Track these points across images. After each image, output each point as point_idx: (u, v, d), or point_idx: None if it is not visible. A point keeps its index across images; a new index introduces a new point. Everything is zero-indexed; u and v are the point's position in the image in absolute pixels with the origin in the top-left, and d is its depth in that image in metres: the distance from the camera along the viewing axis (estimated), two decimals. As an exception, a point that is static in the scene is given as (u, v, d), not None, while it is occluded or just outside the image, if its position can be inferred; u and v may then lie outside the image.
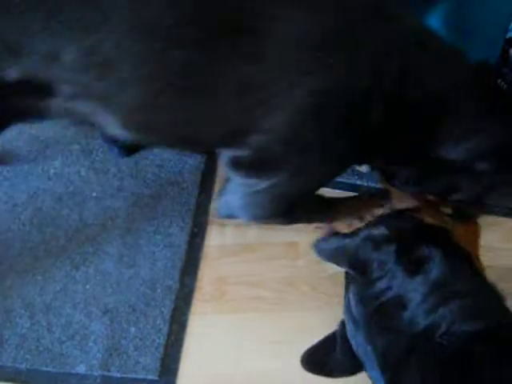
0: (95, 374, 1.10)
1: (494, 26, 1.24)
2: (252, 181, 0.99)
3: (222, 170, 1.36)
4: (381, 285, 0.87)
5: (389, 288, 0.86)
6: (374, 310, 0.87)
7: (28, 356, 1.12)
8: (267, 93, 0.85)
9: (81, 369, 1.10)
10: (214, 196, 1.33)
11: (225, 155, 0.98)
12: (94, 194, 1.33)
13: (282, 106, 0.86)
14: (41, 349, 1.12)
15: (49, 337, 1.14)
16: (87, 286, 1.20)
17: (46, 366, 1.11)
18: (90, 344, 1.12)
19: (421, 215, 1.03)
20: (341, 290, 1.01)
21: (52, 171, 1.38)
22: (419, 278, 0.86)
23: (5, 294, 1.19)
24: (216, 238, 1.27)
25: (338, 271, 1.05)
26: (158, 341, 1.12)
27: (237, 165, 0.97)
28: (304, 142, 0.91)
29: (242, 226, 1.28)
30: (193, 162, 1.38)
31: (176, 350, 1.12)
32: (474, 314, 0.83)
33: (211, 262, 1.23)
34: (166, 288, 1.19)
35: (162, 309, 1.16)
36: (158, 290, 1.18)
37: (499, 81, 1.15)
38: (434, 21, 1.45)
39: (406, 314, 0.84)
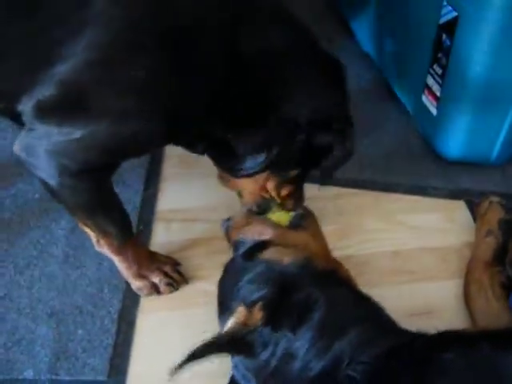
0: (43, 378, 1.07)
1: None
2: (65, 129, 0.85)
3: (167, 167, 1.37)
4: (266, 353, 0.84)
5: (273, 354, 0.83)
6: (268, 377, 0.85)
7: (-26, 364, 1.10)
8: (65, 10, 0.78)
9: (28, 374, 1.08)
10: (159, 194, 1.33)
11: (27, 105, 0.85)
12: (37, 196, 1.31)
13: (87, 29, 0.78)
14: (-13, 356, 1.10)
15: (-6, 343, 1.12)
16: (32, 290, 1.18)
17: (-7, 373, 1.09)
18: (37, 348, 1.10)
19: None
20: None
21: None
22: (303, 329, 0.84)
23: None
24: (162, 234, 1.27)
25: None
26: (106, 341, 1.11)
27: (44, 110, 0.85)
28: (119, 80, 0.82)
29: (189, 222, 1.28)
30: (137, 159, 1.37)
31: (125, 350, 1.10)
32: (372, 338, 0.82)
33: (158, 259, 1.23)
34: (114, 287, 1.17)
35: (110, 308, 1.15)
36: (105, 290, 1.17)
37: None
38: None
39: (297, 363, 0.82)
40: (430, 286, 1.19)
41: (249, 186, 1.10)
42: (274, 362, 0.83)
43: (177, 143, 1.05)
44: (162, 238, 1.26)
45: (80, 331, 1.12)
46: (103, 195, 1.02)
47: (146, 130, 0.90)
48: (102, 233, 1.06)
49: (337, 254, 1.21)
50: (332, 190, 1.32)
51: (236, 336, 0.84)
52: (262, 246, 1.01)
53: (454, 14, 1.14)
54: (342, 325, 0.84)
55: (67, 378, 1.08)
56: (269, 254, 0.98)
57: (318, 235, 1.11)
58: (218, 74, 0.89)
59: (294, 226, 1.10)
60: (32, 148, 0.89)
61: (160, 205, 1.31)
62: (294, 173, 1.07)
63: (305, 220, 1.12)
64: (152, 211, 1.30)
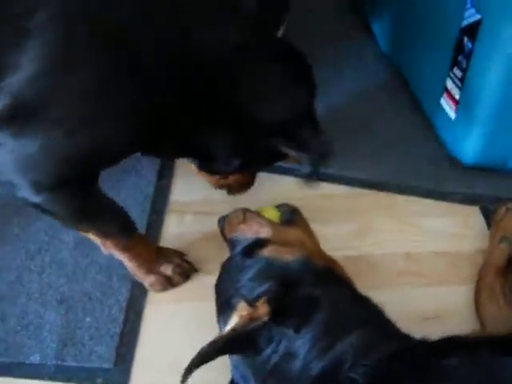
0: (49, 363, 1.08)
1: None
2: (23, 141, 0.83)
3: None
4: (268, 350, 0.83)
5: (275, 352, 0.83)
6: (267, 376, 0.84)
7: (-18, 346, 1.10)
8: (8, 20, 0.76)
9: (35, 358, 1.08)
10: (173, 186, 1.33)
11: None
12: (50, 182, 1.32)
13: (32, 40, 0.76)
14: (-5, 339, 1.11)
15: (3, 327, 1.12)
16: (42, 276, 1.18)
17: (1, 356, 1.09)
18: (45, 333, 1.11)
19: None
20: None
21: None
22: (305, 328, 0.83)
23: (-43, 284, 1.17)
24: (174, 225, 1.27)
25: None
26: (113, 330, 1.11)
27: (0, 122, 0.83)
28: (68, 89, 0.81)
29: (201, 214, 1.28)
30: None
31: (132, 339, 1.11)
32: (374, 341, 0.82)
33: (169, 250, 1.23)
34: (123, 276, 1.18)
35: (119, 297, 1.15)
36: (114, 279, 1.17)
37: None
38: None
39: (297, 362, 0.81)
40: (440, 291, 1.18)
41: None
42: (274, 360, 0.83)
43: (148, 150, 1.04)
44: (173, 230, 1.26)
45: (88, 318, 1.13)
46: (92, 202, 1.00)
47: (105, 138, 0.87)
48: (104, 234, 1.06)
49: (349, 253, 1.22)
50: (346, 190, 1.32)
51: (243, 332, 0.83)
52: (260, 243, 1.00)
53: (478, 16, 1.12)
54: (344, 325, 0.83)
55: (73, 364, 1.08)
56: (268, 252, 0.98)
57: (310, 231, 1.11)
58: (173, 75, 0.87)
59: (286, 221, 1.09)
60: (2, 166, 0.87)
61: (173, 196, 1.31)
62: None
63: (296, 215, 1.12)
64: (165, 202, 1.30)
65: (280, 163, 1.35)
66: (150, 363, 1.09)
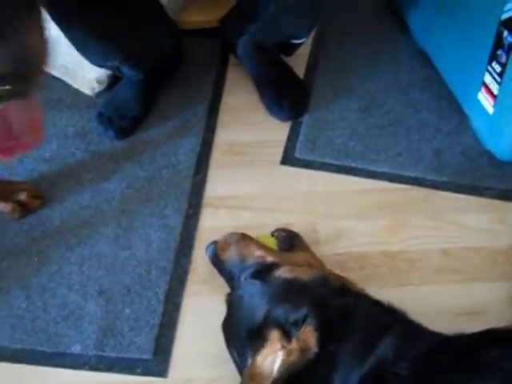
0: (90, 353, 1.10)
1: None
2: None
3: (217, 154, 1.39)
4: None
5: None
6: None
7: (24, 336, 1.13)
8: None
9: (76, 349, 1.11)
10: (208, 181, 1.34)
11: None
12: (89, 177, 1.34)
13: None
14: (36, 329, 1.13)
15: (44, 317, 1.14)
16: (82, 268, 1.20)
17: (42, 346, 1.11)
18: (85, 324, 1.13)
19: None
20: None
21: (48, 154, 1.38)
22: (344, 341, 0.82)
23: (1, 275, 1.20)
24: (210, 219, 1.28)
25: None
26: (152, 321, 1.13)
27: None
28: None
29: (236, 209, 1.29)
30: (188, 144, 1.39)
31: (170, 330, 1.12)
32: (409, 338, 0.82)
33: (205, 244, 1.22)
34: (161, 269, 1.19)
35: (157, 289, 1.17)
36: (153, 271, 1.19)
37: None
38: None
39: (340, 372, 0.80)
40: (477, 287, 1.17)
41: None
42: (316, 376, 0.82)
43: None
44: (209, 224, 1.27)
45: (127, 310, 1.14)
46: None
47: None
48: None
49: (385, 248, 1.21)
50: (382, 185, 1.31)
51: (293, 369, 0.81)
52: (270, 267, 0.99)
53: (518, 10, 1.12)
54: (377, 330, 0.83)
55: (113, 355, 1.10)
56: (285, 272, 0.96)
57: (313, 254, 1.11)
58: None
59: (287, 247, 1.09)
60: None
61: (208, 191, 1.33)
62: None
63: (296, 239, 1.12)
64: (200, 197, 1.31)
65: (315, 158, 1.37)
66: (188, 355, 1.10)
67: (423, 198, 1.30)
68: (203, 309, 1.15)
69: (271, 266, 0.99)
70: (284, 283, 0.94)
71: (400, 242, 1.23)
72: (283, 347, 0.82)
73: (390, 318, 0.88)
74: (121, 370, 1.09)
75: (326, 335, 0.82)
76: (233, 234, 1.11)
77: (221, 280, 1.15)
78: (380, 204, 1.29)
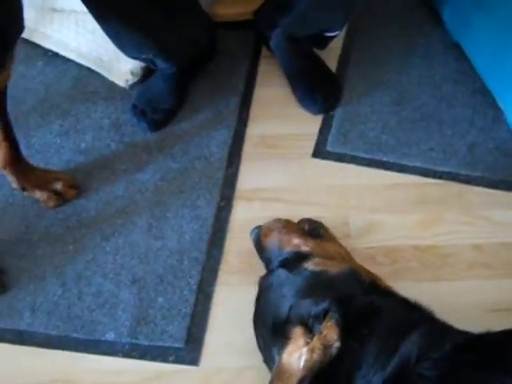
0: (123, 341, 1.13)
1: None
2: None
3: (249, 146, 1.40)
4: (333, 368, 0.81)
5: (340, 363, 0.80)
6: None
7: (59, 323, 1.15)
8: None
9: (110, 336, 1.13)
10: (240, 173, 1.35)
11: None
12: (123, 167, 1.36)
13: None
14: (72, 316, 1.16)
15: (79, 304, 1.17)
16: (116, 257, 1.23)
17: (77, 333, 1.14)
18: (119, 312, 1.15)
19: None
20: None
21: (83, 145, 1.41)
22: (368, 338, 0.81)
23: (37, 263, 1.23)
24: (242, 211, 1.29)
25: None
26: (184, 310, 1.15)
27: None
28: None
29: (268, 201, 1.30)
30: (220, 136, 1.40)
31: (202, 320, 1.14)
32: (434, 336, 0.81)
33: (237, 235, 1.25)
34: (193, 259, 1.21)
35: (189, 280, 1.18)
36: (186, 262, 1.21)
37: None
38: None
39: (364, 371, 0.79)
40: (509, 283, 1.17)
41: None
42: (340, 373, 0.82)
43: None
44: (241, 216, 1.28)
45: (160, 299, 1.16)
46: None
47: None
48: None
49: (417, 243, 1.21)
50: (414, 180, 1.31)
51: (318, 367, 0.80)
52: (302, 256, 0.99)
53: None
54: (402, 328, 0.83)
55: (146, 343, 1.12)
56: (313, 265, 0.96)
57: (340, 245, 1.10)
58: None
59: (314, 236, 1.08)
60: None
61: (241, 183, 1.33)
62: None
63: (322, 230, 1.11)
64: (233, 189, 1.32)
65: (346, 151, 1.36)
66: (219, 344, 1.12)
67: (456, 193, 1.29)
68: (234, 299, 1.16)
69: (304, 256, 0.99)
70: (311, 276, 0.94)
71: (432, 236, 1.23)
72: (307, 343, 0.82)
73: (416, 317, 0.88)
74: (153, 358, 1.11)
75: (349, 331, 0.82)
76: (278, 220, 1.11)
77: (252, 271, 1.17)
78: (412, 198, 1.29)
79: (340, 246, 1.10)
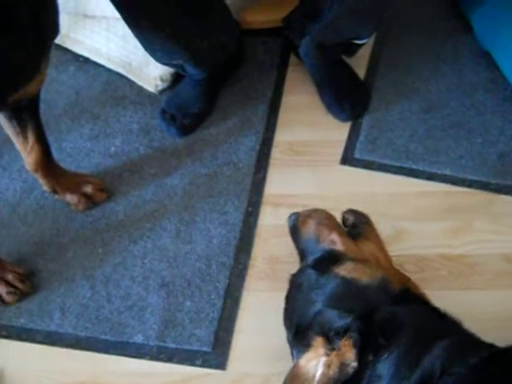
0: (151, 343, 1.14)
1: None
2: None
3: (277, 152, 1.40)
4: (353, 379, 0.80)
5: (359, 377, 0.80)
6: None
7: (88, 324, 1.17)
8: None
9: (138, 338, 1.14)
10: (268, 179, 1.36)
11: None
12: (152, 172, 1.38)
13: None
14: (100, 318, 1.17)
15: (108, 307, 1.18)
16: (145, 260, 1.24)
17: (105, 335, 1.16)
18: (147, 315, 1.17)
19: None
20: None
21: (112, 149, 1.43)
22: (389, 351, 0.80)
23: (67, 265, 1.25)
24: (270, 217, 1.30)
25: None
26: (212, 315, 1.15)
27: None
28: None
29: (295, 208, 1.30)
30: (248, 142, 1.41)
31: (229, 325, 1.15)
32: (460, 349, 0.80)
33: (265, 241, 1.26)
34: (221, 264, 1.22)
35: (217, 284, 1.19)
36: (213, 266, 1.22)
37: None
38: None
39: (384, 382, 0.78)
40: (539, 294, 1.16)
41: None
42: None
43: None
44: (268, 221, 1.29)
45: (188, 303, 1.17)
46: None
47: None
48: None
49: (446, 251, 1.21)
50: (443, 188, 1.30)
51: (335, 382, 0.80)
52: (335, 257, 0.98)
53: None
54: (426, 340, 0.81)
55: (173, 346, 1.13)
56: (345, 271, 0.95)
57: (381, 244, 1.07)
58: None
59: (355, 234, 1.07)
60: None
61: (268, 189, 1.34)
62: None
63: (365, 226, 1.09)
64: (261, 195, 1.33)
65: (374, 159, 1.36)
66: (246, 349, 1.13)
67: (485, 201, 1.28)
68: (262, 305, 1.17)
69: (337, 258, 0.98)
70: (341, 283, 0.93)
71: (461, 245, 1.22)
72: (326, 354, 0.83)
73: (442, 328, 0.86)
74: (181, 361, 1.12)
75: (369, 345, 0.81)
76: (320, 210, 1.09)
77: (279, 277, 1.17)
78: (441, 207, 1.28)
79: (379, 246, 1.07)
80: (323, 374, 0.81)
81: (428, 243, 1.23)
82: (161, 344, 1.13)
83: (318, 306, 0.91)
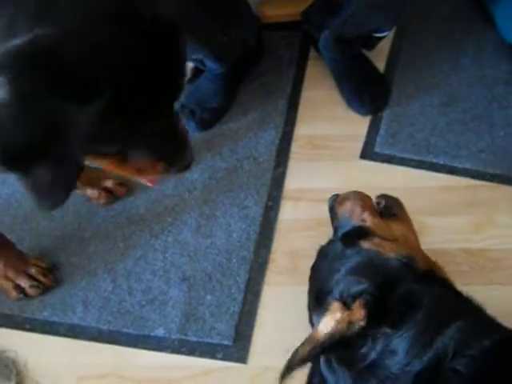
0: (173, 337, 1.15)
1: None
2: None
3: (297, 147, 1.40)
4: (364, 348, 0.82)
5: (372, 349, 0.81)
6: (363, 369, 0.82)
7: (110, 318, 1.18)
8: None
9: (159, 332, 1.15)
10: (288, 173, 1.36)
11: None
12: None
13: None
14: (122, 311, 1.19)
15: (130, 300, 1.20)
16: (166, 254, 1.25)
17: (127, 328, 1.17)
18: (169, 309, 1.17)
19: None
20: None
21: (133, 143, 1.43)
22: (404, 326, 0.81)
23: (89, 259, 1.26)
24: (290, 211, 1.30)
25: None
26: (232, 309, 1.16)
27: None
28: None
29: (315, 202, 1.30)
30: (268, 137, 1.41)
31: (250, 319, 1.15)
32: (475, 332, 0.80)
33: (285, 235, 1.26)
34: (241, 258, 1.22)
35: (237, 278, 1.20)
36: (234, 260, 1.22)
37: None
38: None
39: (397, 358, 0.79)
40: (562, 289, 1.14)
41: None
42: (372, 357, 0.82)
43: None
44: (288, 216, 1.29)
45: (209, 297, 1.18)
46: None
47: None
48: None
49: (468, 246, 1.20)
50: (464, 182, 1.29)
51: (340, 337, 0.82)
52: (363, 232, 0.98)
53: None
54: (443, 321, 0.81)
55: (195, 339, 1.14)
56: (371, 244, 0.95)
57: (412, 228, 1.07)
58: None
59: (386, 215, 1.06)
60: None
61: (288, 183, 1.34)
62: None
63: (397, 209, 1.08)
64: (280, 189, 1.33)
65: (395, 153, 1.36)
66: (267, 343, 1.13)
67: (507, 195, 1.27)
68: (282, 299, 1.17)
69: (365, 233, 0.98)
70: (365, 254, 0.93)
71: (483, 240, 1.21)
72: None
73: (460, 310, 0.86)
74: (202, 354, 1.13)
75: (385, 316, 0.82)
76: (357, 192, 1.09)
77: (299, 272, 1.18)
78: (462, 201, 1.27)
79: (410, 228, 1.06)
80: (332, 328, 0.82)
81: (449, 238, 1.22)
82: (182, 337, 1.14)
83: (341, 274, 0.92)
